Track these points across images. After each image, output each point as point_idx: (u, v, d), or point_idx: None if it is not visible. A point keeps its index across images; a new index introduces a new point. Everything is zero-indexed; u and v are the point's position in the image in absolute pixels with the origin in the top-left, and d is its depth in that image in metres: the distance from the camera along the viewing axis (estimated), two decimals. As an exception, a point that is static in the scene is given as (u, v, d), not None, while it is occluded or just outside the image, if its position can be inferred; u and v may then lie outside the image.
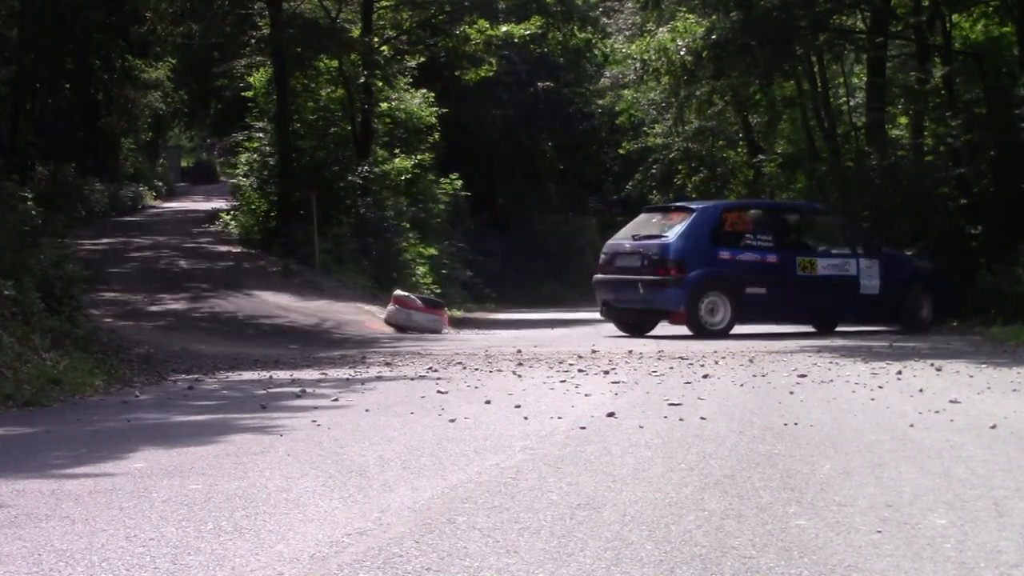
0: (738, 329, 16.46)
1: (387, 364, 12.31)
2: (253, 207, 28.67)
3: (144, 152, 44.46)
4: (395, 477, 5.26)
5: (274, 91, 27.41)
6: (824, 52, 23.54)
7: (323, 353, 14.30)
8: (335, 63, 28.75)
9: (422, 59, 31.09)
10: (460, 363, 11.95)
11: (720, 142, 30.68)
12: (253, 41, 28.56)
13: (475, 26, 29.77)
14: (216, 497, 4.82)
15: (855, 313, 16.93)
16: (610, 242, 17.34)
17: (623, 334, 16.77)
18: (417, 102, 30.38)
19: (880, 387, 8.90)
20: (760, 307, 16.22)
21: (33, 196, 14.41)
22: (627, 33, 33.65)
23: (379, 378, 10.60)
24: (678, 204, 17.98)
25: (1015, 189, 18.42)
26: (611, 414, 7.31)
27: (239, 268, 25.10)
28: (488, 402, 8.21)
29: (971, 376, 9.77)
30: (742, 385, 9.18)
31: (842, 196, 20.82)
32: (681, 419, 7.07)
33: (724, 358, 11.86)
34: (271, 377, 10.97)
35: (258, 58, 28.92)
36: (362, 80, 28.10)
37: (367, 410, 7.90)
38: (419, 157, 29.98)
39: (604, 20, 35.39)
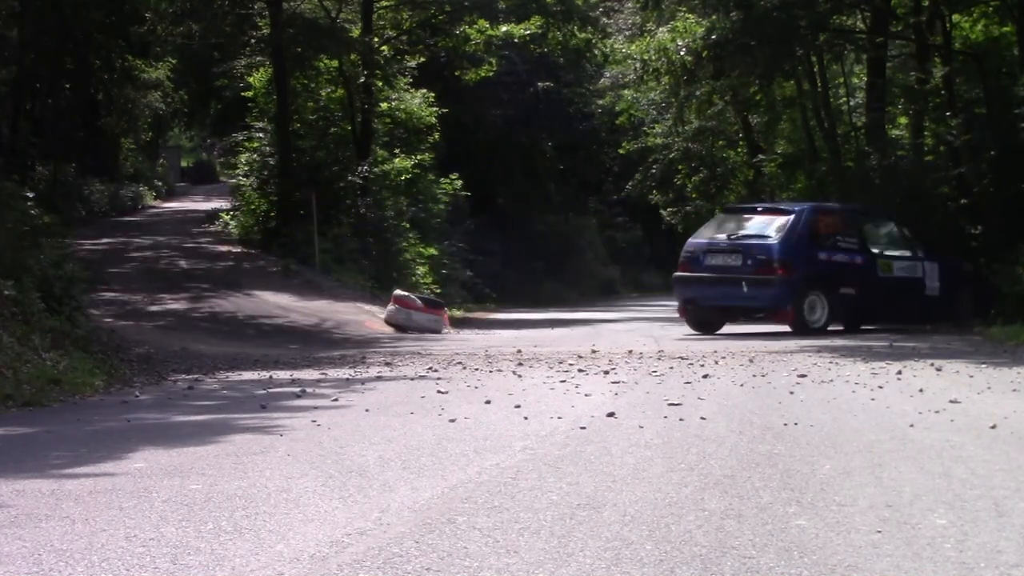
0: (739, 329, 16.47)
1: (387, 364, 12.32)
2: (253, 207, 28.65)
3: (144, 152, 44.42)
4: (395, 477, 5.26)
5: (274, 91, 27.40)
6: (824, 52, 23.52)
7: (323, 353, 14.30)
8: (335, 63, 28.74)
9: (422, 59, 31.07)
10: (460, 363, 11.95)
11: (720, 142, 30.65)
12: (253, 41, 28.54)
13: (475, 26, 29.76)
14: (216, 497, 4.82)
15: (921, 314, 17.53)
16: (694, 241, 17.55)
17: (696, 333, 16.90)
18: (417, 102, 30.35)
19: (880, 387, 8.89)
20: (850, 307, 16.81)
21: (33, 196, 14.39)
22: (627, 33, 33.64)
23: (379, 378, 10.61)
24: (768, 205, 18.42)
25: (1015, 189, 18.42)
26: (611, 414, 7.31)
27: (239, 268, 25.10)
28: (488, 402, 8.21)
29: (971, 376, 9.76)
30: (742, 385, 9.18)
31: (842, 196, 20.81)
32: (681, 419, 7.07)
33: (724, 358, 11.86)
34: (271, 377, 10.97)
35: (258, 58, 28.90)
36: (362, 80, 28.09)
37: (367, 410, 7.90)
38: (419, 157, 29.95)
39: (604, 20, 35.37)
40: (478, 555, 3.79)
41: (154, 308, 19.40)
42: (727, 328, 17.22)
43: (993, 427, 6.63)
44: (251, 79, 28.89)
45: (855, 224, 17.28)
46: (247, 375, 11.33)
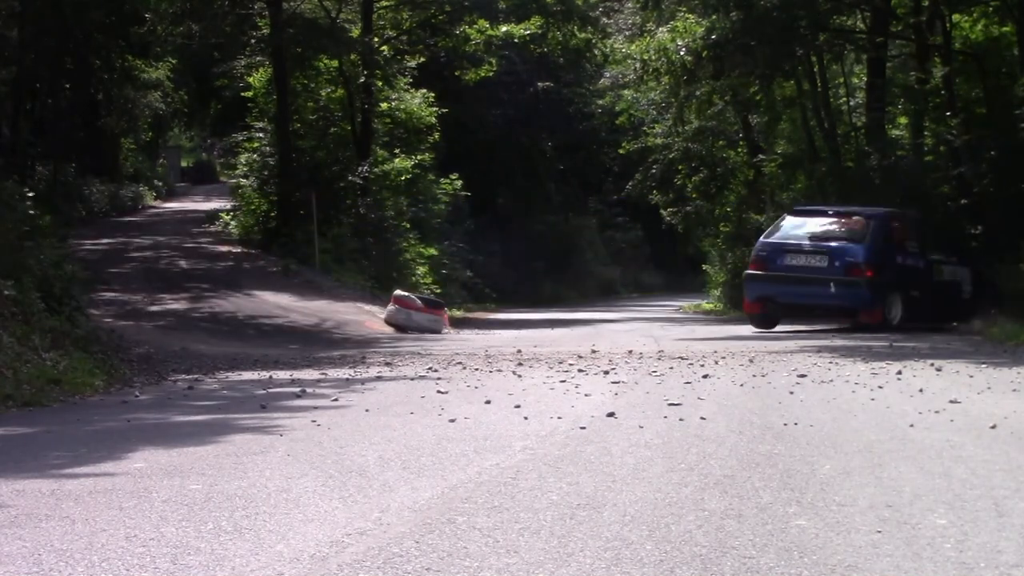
0: (738, 329, 16.48)
1: (387, 364, 12.32)
2: (253, 207, 28.66)
3: (144, 152, 44.43)
4: (395, 477, 5.26)
5: (274, 91, 27.40)
6: (824, 52, 23.52)
7: (323, 353, 14.30)
8: (335, 63, 28.74)
9: (422, 59, 31.07)
10: (460, 363, 11.95)
11: (720, 142, 30.66)
12: (253, 41, 28.55)
13: (475, 26, 29.77)
14: (216, 497, 4.82)
15: (958, 314, 18.21)
16: (768, 241, 18.09)
17: (760, 330, 17.59)
18: (417, 102, 30.36)
19: (880, 387, 8.89)
20: (916, 308, 17.71)
21: (33, 196, 14.38)
22: (627, 33, 33.64)
23: (379, 378, 10.61)
24: (838, 209, 18.84)
25: (1015, 189, 18.43)
26: (611, 414, 7.31)
27: (239, 268, 25.11)
28: (488, 402, 8.21)
29: (971, 376, 9.76)
30: (742, 385, 9.18)
31: (842, 196, 20.82)
32: (681, 419, 7.07)
33: (724, 358, 11.86)
34: (271, 377, 10.97)
35: (258, 58, 28.91)
36: (362, 80, 28.10)
37: (367, 410, 7.90)
38: (419, 157, 29.95)
39: (604, 20, 35.38)
40: (478, 555, 3.79)
41: (154, 308, 19.41)
42: (737, 328, 17.62)
43: (993, 427, 6.63)
44: (251, 79, 28.90)
45: (917, 230, 18.32)
46: (247, 375, 11.33)
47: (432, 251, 29.44)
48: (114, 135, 37.10)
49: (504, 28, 30.25)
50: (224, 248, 27.69)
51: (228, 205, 32.01)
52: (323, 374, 11.16)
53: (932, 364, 10.81)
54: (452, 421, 7.15)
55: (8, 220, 12.53)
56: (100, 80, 34.04)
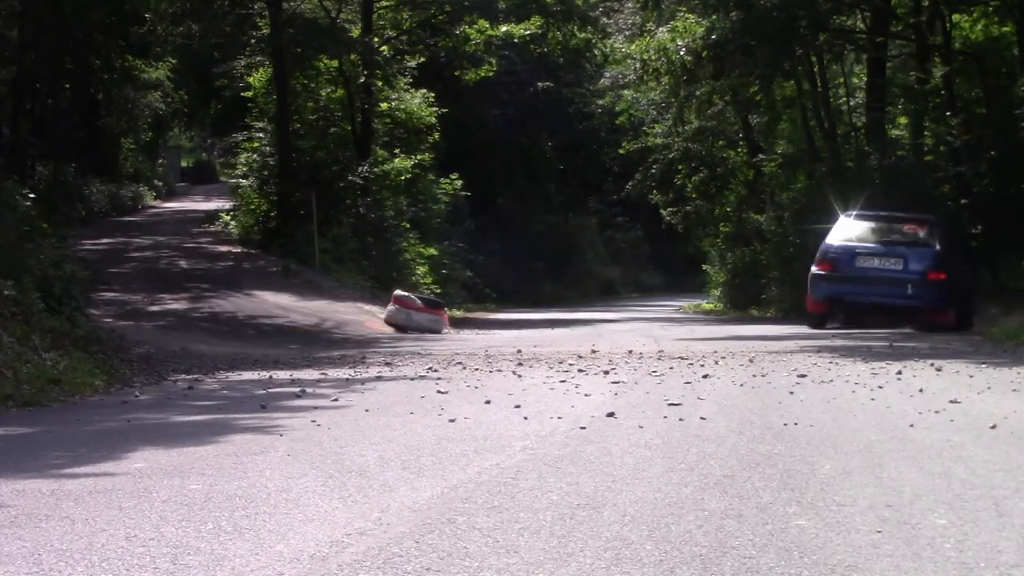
0: (737, 329, 16.48)
1: (387, 364, 12.32)
2: (253, 207, 28.67)
3: (144, 152, 44.45)
4: (395, 477, 5.26)
5: (274, 91, 27.41)
6: (824, 52, 23.54)
7: (323, 353, 14.30)
8: (335, 63, 28.75)
9: (422, 59, 31.08)
10: (460, 363, 11.95)
11: (720, 142, 30.68)
12: (253, 41, 28.56)
13: (475, 26, 29.78)
14: (216, 497, 4.82)
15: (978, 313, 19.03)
16: (834, 244, 18.48)
17: (813, 329, 17.97)
18: (417, 102, 30.37)
19: (880, 387, 8.89)
20: (968, 310, 18.32)
21: (33, 196, 14.39)
22: (627, 33, 33.68)
23: (379, 378, 10.61)
24: (899, 214, 19.18)
25: (1015, 189, 18.44)
26: (611, 414, 7.31)
27: (239, 268, 25.11)
28: (488, 402, 8.21)
29: (971, 376, 9.76)
30: (742, 385, 9.18)
31: (842, 196, 20.83)
32: (681, 419, 7.07)
33: (724, 358, 11.86)
34: (271, 377, 10.97)
35: (258, 58, 28.92)
36: (362, 80, 28.10)
37: (367, 410, 7.90)
38: (419, 157, 29.97)
39: (604, 20, 35.41)
40: (478, 555, 3.79)
41: (154, 308, 19.41)
42: (736, 329, 17.61)
43: (993, 427, 6.63)
44: (251, 79, 28.91)
45: (966, 236, 19.53)
46: (247, 375, 11.33)
47: (432, 251, 29.45)
48: (114, 135, 37.13)
49: (504, 28, 30.26)
50: (224, 248, 27.70)
51: (228, 205, 32.03)
52: (323, 374, 11.16)
53: (932, 364, 10.80)
54: (452, 421, 7.15)
55: (8, 220, 12.53)
56: (100, 80, 34.07)
